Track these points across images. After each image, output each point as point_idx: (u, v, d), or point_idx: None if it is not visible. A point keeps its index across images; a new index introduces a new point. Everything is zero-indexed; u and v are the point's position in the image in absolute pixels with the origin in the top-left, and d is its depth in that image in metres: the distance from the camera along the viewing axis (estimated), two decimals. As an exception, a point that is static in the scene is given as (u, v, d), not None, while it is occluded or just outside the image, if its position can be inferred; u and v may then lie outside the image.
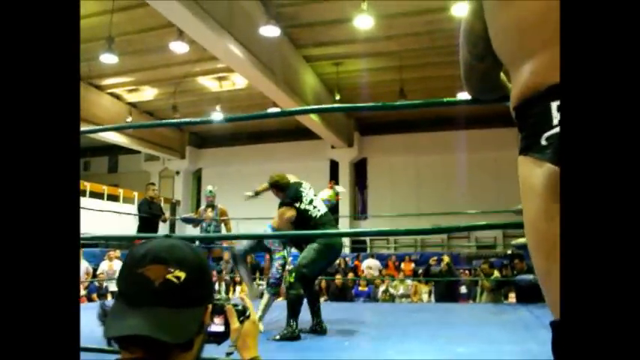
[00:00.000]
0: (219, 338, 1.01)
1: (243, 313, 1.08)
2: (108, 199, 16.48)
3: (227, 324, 1.02)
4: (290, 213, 4.02)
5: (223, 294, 7.29)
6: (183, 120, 7.58)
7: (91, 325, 0.96)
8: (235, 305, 1.06)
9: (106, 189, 16.69)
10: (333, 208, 4.55)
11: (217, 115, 14.16)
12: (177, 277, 0.81)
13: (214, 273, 8.17)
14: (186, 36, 9.34)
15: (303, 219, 4.02)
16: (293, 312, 3.80)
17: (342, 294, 9.10)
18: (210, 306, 0.89)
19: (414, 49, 11.55)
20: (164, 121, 4.30)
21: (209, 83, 13.96)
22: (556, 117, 0.78)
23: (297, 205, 4.03)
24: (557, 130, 0.77)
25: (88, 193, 15.99)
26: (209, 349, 0.96)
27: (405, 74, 12.41)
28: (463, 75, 1.29)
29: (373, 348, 3.49)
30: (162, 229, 10.53)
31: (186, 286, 0.81)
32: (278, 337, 3.71)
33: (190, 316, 0.81)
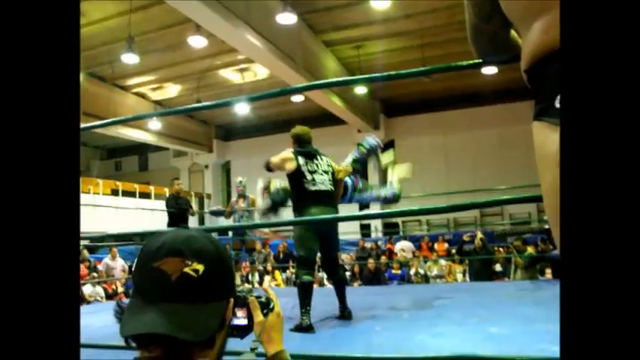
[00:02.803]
0: (242, 332, 0.96)
1: (267, 306, 1.02)
2: (140, 197, 16.83)
3: (250, 317, 0.96)
4: (290, 165, 3.89)
5: (247, 285, 7.29)
6: (194, 105, 7.34)
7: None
8: (259, 297, 1.01)
9: (137, 187, 17.03)
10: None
11: (239, 104, 14.13)
12: (196, 271, 0.76)
13: (247, 264, 8.23)
14: (204, 30, 9.37)
15: (296, 182, 3.90)
16: (302, 301, 3.66)
17: (375, 278, 9.05)
18: (232, 300, 0.84)
19: (434, 27, 11.34)
20: (177, 108, 4.12)
21: (231, 75, 14.02)
22: None
23: (301, 163, 3.90)
24: None
25: (120, 192, 16.36)
26: (232, 344, 0.94)
27: (427, 52, 12.20)
28: (470, 37, 1.23)
29: (405, 331, 3.45)
30: (192, 222, 10.63)
31: (205, 279, 0.77)
32: (291, 328, 3.51)
33: (210, 312, 0.77)
